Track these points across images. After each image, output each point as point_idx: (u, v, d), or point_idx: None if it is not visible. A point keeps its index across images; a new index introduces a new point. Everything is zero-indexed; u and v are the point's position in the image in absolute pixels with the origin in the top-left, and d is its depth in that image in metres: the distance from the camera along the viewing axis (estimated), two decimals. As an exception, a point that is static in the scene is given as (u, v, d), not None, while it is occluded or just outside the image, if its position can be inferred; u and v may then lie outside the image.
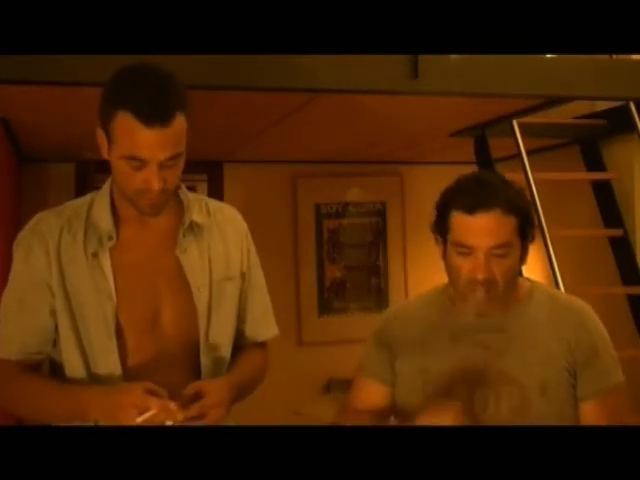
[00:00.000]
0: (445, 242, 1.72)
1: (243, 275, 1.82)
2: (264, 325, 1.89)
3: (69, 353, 1.69)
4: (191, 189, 1.83)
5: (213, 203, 1.85)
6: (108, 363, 1.66)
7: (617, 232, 3.68)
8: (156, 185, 1.59)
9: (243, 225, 1.86)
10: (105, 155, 1.63)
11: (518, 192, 1.71)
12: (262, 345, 1.89)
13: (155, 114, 1.54)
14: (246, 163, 4.57)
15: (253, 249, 1.86)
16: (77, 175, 4.33)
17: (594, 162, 3.85)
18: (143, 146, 1.55)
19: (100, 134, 1.62)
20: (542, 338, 1.72)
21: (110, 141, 1.60)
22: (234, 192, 4.57)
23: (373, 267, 4.94)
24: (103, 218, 1.70)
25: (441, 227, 1.72)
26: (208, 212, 1.80)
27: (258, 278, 1.87)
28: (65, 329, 1.68)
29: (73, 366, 1.68)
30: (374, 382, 1.84)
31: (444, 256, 1.73)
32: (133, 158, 1.57)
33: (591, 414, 1.71)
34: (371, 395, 1.84)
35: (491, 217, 1.65)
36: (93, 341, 1.67)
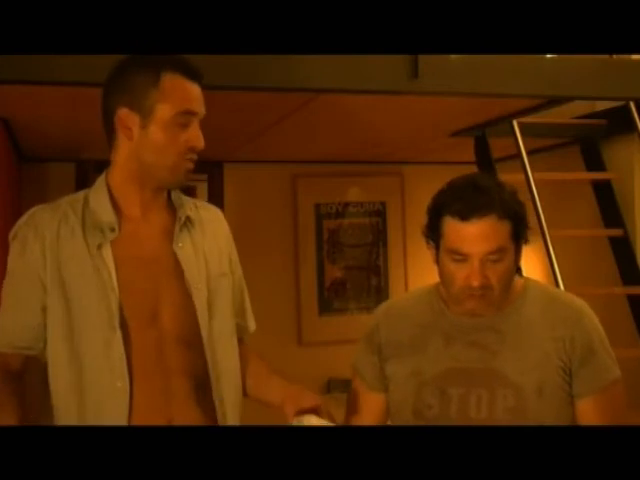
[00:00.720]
0: (438, 247, 1.70)
1: (232, 270, 1.86)
2: (252, 317, 1.94)
3: (55, 348, 1.68)
4: (191, 189, 1.85)
5: (199, 202, 1.90)
6: (111, 356, 1.66)
7: (617, 232, 3.68)
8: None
9: (226, 223, 1.91)
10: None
11: (511, 195, 1.69)
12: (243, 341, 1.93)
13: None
14: (246, 163, 4.57)
15: (234, 245, 1.91)
16: (77, 175, 4.33)
17: (594, 162, 3.86)
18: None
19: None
20: (537, 337, 1.72)
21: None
22: (234, 192, 4.57)
23: (373, 267, 4.94)
24: (104, 211, 1.71)
25: (433, 232, 1.70)
26: (197, 210, 1.83)
27: (241, 273, 1.91)
28: (54, 324, 1.68)
29: (58, 361, 1.68)
30: (367, 389, 1.83)
31: (437, 261, 1.72)
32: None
33: (589, 411, 1.71)
34: (366, 401, 1.84)
35: (486, 223, 1.63)
36: (93, 335, 1.66)
